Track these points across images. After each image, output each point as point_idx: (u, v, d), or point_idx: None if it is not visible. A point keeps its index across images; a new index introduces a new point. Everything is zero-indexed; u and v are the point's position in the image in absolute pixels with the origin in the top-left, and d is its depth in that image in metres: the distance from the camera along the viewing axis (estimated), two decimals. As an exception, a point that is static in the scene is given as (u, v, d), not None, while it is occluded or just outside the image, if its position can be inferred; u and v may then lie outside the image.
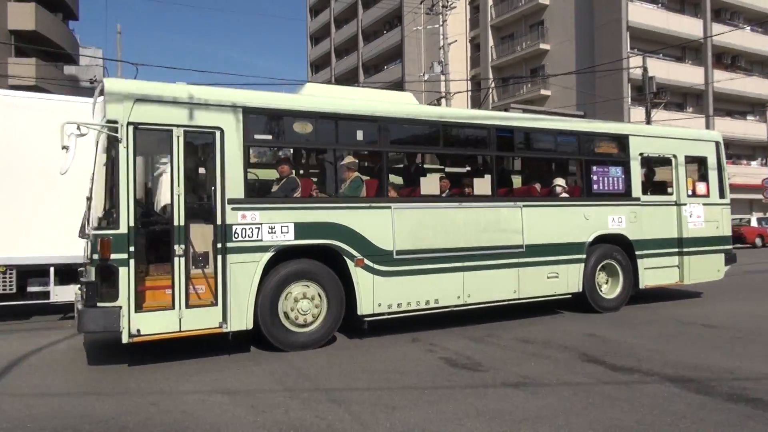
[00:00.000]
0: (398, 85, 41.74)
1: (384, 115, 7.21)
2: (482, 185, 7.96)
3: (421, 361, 6.10)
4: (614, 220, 8.88)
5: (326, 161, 7.84)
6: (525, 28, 40.24)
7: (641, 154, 9.31)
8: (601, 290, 8.83)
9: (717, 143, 10.26)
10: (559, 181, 8.78)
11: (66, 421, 4.38)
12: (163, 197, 7.41)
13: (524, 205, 8.15)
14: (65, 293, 8.21)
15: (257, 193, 6.83)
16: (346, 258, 6.77)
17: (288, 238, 6.48)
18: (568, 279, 8.43)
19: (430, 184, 7.79)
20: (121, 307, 5.61)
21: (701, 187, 9.96)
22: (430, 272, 7.30)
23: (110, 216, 5.77)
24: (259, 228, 6.33)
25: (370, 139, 7.40)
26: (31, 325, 8.36)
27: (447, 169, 8.83)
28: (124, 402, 4.84)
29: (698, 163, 10.10)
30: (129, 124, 5.75)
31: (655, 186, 9.71)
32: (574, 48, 36.34)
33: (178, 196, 5.94)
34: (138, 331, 5.72)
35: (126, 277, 5.63)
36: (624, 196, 9.07)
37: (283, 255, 6.50)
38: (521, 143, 8.73)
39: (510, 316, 8.38)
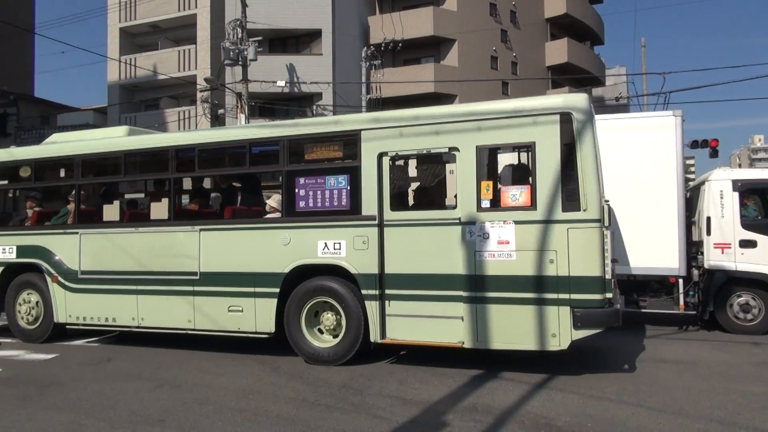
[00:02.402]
0: None
1: (69, 155, 8.38)
2: (160, 209, 7.81)
3: None
4: (327, 246, 6.65)
5: (58, 194, 9.41)
6: None
7: (383, 154, 6.53)
8: (313, 336, 6.81)
9: (565, 115, 5.83)
10: (271, 201, 7.42)
11: (577, 418, 4.50)
12: None
13: (202, 229, 7.37)
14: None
15: None
16: (46, 275, 8.27)
17: (12, 257, 8.62)
18: (256, 315, 6.99)
19: (111, 210, 8.26)
20: None
21: (516, 194, 5.97)
22: (108, 292, 7.84)
23: None
24: None
25: (66, 176, 8.64)
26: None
27: (127, 196, 9.05)
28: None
29: (520, 155, 6.43)
30: None
31: (431, 196, 7.13)
32: None
33: None
34: None
35: None
36: (347, 214, 6.63)
37: (16, 268, 8.61)
38: (207, 161, 7.90)
39: None
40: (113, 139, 8.36)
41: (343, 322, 6.64)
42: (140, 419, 4.96)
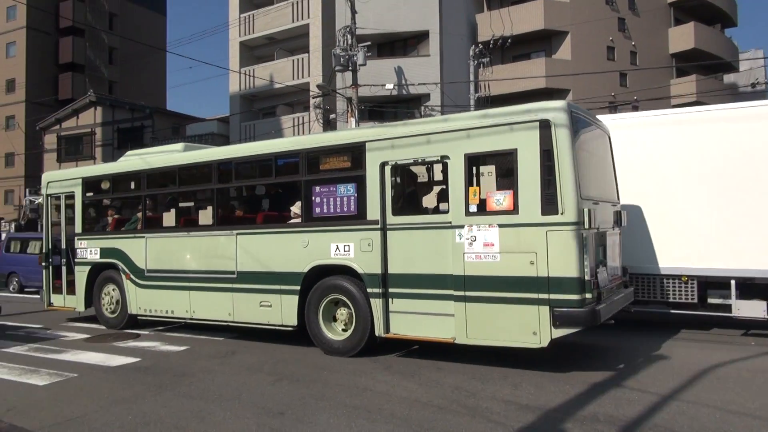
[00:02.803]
0: None
1: (137, 170, 9.69)
2: (206, 216, 8.82)
3: None
4: (338, 248, 7.21)
5: (130, 204, 10.63)
6: None
7: (385, 163, 6.98)
8: (329, 329, 7.46)
9: (543, 122, 5.98)
10: (294, 207, 7.94)
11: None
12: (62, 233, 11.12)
13: (238, 233, 8.28)
14: (747, 308, 7.81)
15: (87, 229, 10.50)
16: (121, 272, 9.68)
17: (96, 257, 10.17)
18: (282, 310, 7.79)
19: (169, 217, 9.32)
20: (44, 290, 11.15)
21: (500, 199, 6.17)
22: (167, 288, 9.07)
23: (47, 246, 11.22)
24: (86, 250, 10.32)
25: (135, 188, 9.91)
26: (711, 337, 8.35)
27: (181, 204, 9.57)
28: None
29: (505, 161, 6.32)
30: (48, 195, 11.10)
31: (427, 201, 7.50)
32: None
33: (59, 233, 10.98)
34: (51, 304, 11.05)
35: (47, 276, 11.04)
36: (355, 219, 7.12)
37: (101, 267, 10.12)
38: (241, 173, 8.76)
39: None
40: (170, 155, 9.53)
41: (353, 318, 7.22)
42: (262, 411, 5.21)
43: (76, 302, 10.49)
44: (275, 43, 30.80)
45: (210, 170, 8.77)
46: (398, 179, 7.22)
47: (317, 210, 7.54)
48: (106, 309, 10.12)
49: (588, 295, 5.88)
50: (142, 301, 9.46)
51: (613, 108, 25.92)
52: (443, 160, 6.68)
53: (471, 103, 25.11)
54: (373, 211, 7.02)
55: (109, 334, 9.45)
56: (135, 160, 10.01)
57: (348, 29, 21.68)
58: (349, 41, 21.46)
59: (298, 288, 7.57)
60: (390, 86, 24.79)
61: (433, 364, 6.78)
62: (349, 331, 7.29)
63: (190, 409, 5.33)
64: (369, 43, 23.11)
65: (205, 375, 6.59)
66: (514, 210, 6.12)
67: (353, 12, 21.89)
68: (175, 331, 9.52)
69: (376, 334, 6.98)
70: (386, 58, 26.89)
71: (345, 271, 7.26)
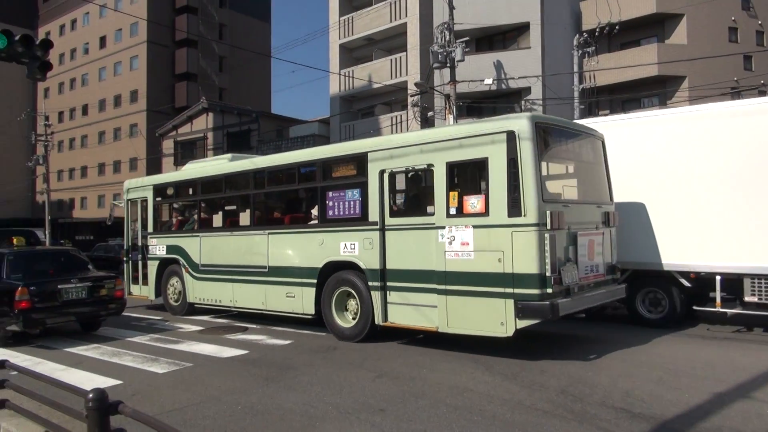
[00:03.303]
0: None
1: (193, 178, 11.41)
2: (245, 217, 10.09)
3: None
4: (346, 246, 8.21)
5: (189, 207, 12.09)
6: None
7: (383, 171, 7.88)
8: (339, 317, 8.47)
9: (510, 133, 6.63)
10: (314, 210, 8.88)
11: None
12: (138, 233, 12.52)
13: (269, 233, 9.43)
14: None
15: (156, 229, 12.06)
16: (182, 267, 11.28)
17: (163, 253, 11.76)
18: (303, 301, 8.86)
19: (218, 218, 10.80)
20: (125, 281, 12.27)
21: (474, 202, 6.90)
22: (216, 280, 10.49)
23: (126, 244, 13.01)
24: (156, 247, 11.95)
25: (192, 193, 11.64)
26: None
27: (226, 207, 10.82)
28: None
29: (478, 169, 7.04)
30: (128, 200, 12.72)
31: (417, 205, 7.90)
32: None
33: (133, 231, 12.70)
34: (130, 293, 12.43)
35: (128, 269, 12.66)
36: (359, 220, 8.08)
37: (167, 262, 11.70)
38: (272, 180, 9.86)
39: None
40: (220, 164, 10.97)
41: (359, 308, 8.12)
42: (362, 407, 5.26)
43: (149, 292, 12.18)
44: (374, 43, 31.20)
45: (248, 178, 10.08)
46: (394, 185, 8.02)
47: (330, 213, 8.58)
48: (171, 298, 11.75)
49: (548, 290, 6.40)
50: (197, 291, 10.98)
51: (737, 94, 23.79)
52: (429, 168, 7.43)
53: (575, 95, 24.06)
54: (373, 214, 7.92)
55: (220, 327, 10.00)
56: (194, 170, 11.70)
57: (446, 25, 21.49)
58: (447, 37, 21.27)
59: (315, 281, 8.65)
60: (489, 81, 24.30)
61: (536, 366, 6.55)
62: (356, 320, 8.24)
63: (294, 401, 5.49)
64: (467, 38, 22.79)
65: (308, 369, 6.77)
66: (486, 213, 6.79)
67: (451, 8, 21.68)
68: (280, 325, 9.89)
69: (376, 322, 7.89)
70: (485, 53, 26.38)
71: (352, 266, 8.22)
